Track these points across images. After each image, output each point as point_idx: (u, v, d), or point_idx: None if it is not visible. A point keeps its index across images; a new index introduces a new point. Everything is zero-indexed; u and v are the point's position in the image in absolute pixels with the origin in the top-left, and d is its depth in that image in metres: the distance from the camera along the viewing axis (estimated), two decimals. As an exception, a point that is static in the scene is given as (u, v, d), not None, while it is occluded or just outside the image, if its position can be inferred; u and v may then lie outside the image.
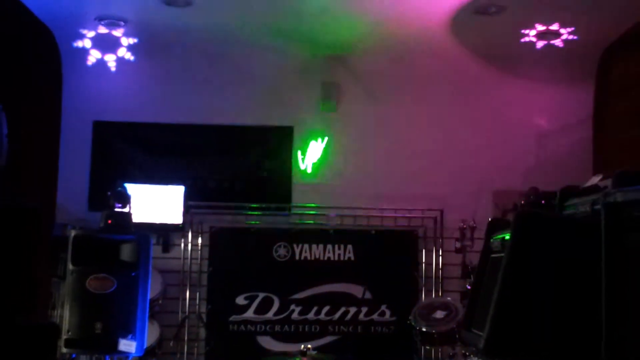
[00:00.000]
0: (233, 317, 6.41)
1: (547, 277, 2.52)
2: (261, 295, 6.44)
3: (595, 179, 2.76)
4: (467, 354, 5.02)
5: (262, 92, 6.76)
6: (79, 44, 6.28)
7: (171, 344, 6.14)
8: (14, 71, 6.09)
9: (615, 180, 2.41)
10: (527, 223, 2.59)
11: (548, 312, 2.49)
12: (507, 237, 2.72)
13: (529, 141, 6.79)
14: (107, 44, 6.28)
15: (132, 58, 6.40)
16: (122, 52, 6.37)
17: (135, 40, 6.18)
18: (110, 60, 6.42)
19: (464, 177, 6.66)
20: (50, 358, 4.80)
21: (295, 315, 6.43)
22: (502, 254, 2.78)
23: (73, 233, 4.72)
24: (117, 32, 6.08)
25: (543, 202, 3.26)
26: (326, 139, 6.71)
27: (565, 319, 2.47)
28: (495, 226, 3.21)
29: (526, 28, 5.96)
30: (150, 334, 5.64)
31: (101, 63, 6.53)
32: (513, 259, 2.57)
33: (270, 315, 6.42)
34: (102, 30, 6.02)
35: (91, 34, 6.12)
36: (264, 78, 6.77)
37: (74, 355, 4.79)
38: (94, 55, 6.37)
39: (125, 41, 6.24)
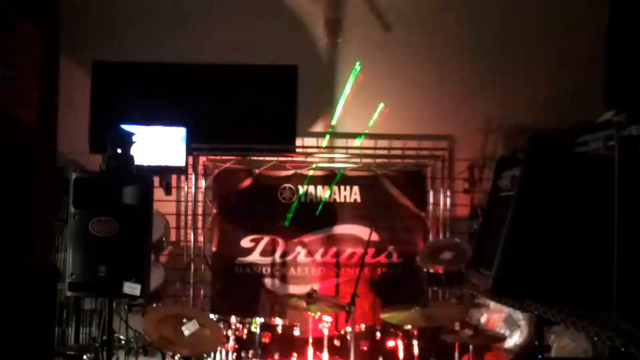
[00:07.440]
0: (238, 260, 6.36)
1: (559, 216, 2.43)
2: (267, 237, 6.38)
3: (608, 114, 2.66)
4: (475, 294, 4.98)
5: (264, 30, 6.58)
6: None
7: (177, 286, 6.12)
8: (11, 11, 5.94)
9: (630, 114, 2.30)
10: (538, 160, 2.50)
11: (559, 253, 2.42)
12: (517, 174, 2.62)
13: (538, 77, 6.58)
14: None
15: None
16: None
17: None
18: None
19: (473, 115, 6.50)
20: (50, 298, 4.80)
21: (301, 258, 6.39)
22: (512, 193, 2.69)
23: (74, 176, 4.63)
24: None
25: (554, 139, 3.15)
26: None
27: (576, 259, 2.39)
28: (504, 164, 3.09)
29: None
30: (155, 277, 5.61)
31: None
32: (523, 197, 2.48)
33: (276, 257, 6.38)
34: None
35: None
36: (267, 16, 6.58)
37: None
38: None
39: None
